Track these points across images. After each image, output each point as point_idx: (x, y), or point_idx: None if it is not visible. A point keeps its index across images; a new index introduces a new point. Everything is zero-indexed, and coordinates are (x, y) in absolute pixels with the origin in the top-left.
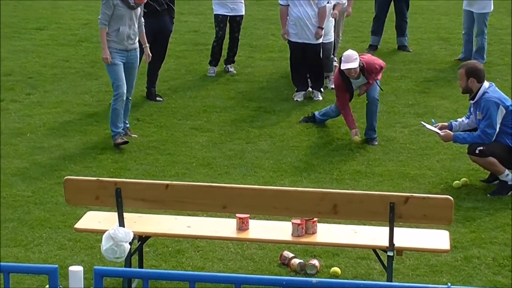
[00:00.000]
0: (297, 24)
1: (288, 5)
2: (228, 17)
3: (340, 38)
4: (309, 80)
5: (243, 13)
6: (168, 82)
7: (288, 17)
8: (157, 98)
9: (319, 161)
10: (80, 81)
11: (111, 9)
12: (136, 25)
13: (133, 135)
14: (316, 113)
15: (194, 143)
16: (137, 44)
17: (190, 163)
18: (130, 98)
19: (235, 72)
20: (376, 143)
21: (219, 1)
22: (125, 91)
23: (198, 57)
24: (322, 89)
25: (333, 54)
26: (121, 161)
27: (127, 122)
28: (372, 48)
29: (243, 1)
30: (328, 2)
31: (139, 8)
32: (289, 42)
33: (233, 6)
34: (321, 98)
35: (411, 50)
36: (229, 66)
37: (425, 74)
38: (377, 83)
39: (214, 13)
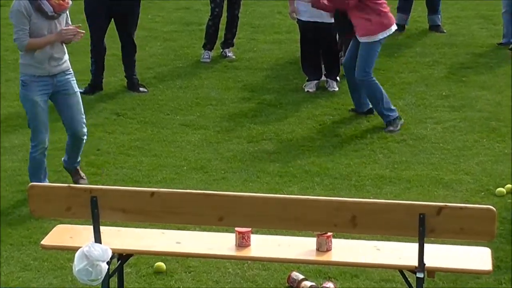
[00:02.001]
0: None
1: None
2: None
3: None
4: (323, 67)
5: None
6: (154, 69)
7: None
8: (141, 89)
9: (334, 164)
10: None
11: (27, 20)
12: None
13: (83, 177)
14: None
15: (185, 143)
16: (68, 64)
17: (180, 167)
18: (83, 137)
19: (234, 57)
20: None
21: None
22: (46, 139)
23: (190, 40)
24: (338, 78)
25: None
26: (97, 164)
27: (78, 160)
28: (399, 28)
29: None
30: None
31: (63, 16)
32: (299, 21)
33: None
34: (337, 88)
35: (445, 31)
36: (227, 50)
37: (462, 60)
38: None
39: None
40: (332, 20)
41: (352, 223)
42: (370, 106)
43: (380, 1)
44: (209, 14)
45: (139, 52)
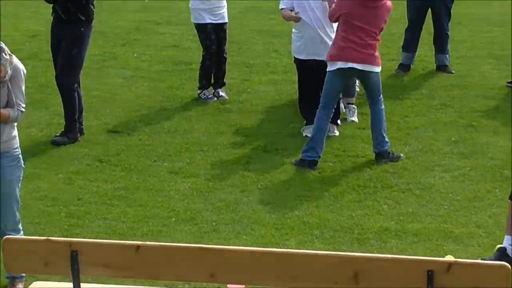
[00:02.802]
0: (305, 35)
1: (293, 9)
2: (214, 25)
3: None
4: None
5: (227, 21)
6: (140, 112)
7: (293, 28)
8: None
9: (335, 215)
10: (26, 110)
11: None
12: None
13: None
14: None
15: (173, 192)
16: (7, 146)
17: (168, 218)
18: (7, 232)
19: (227, 98)
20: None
21: (205, 6)
22: None
23: (179, 80)
24: (339, 122)
25: None
26: (77, 215)
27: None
28: (404, 69)
29: (226, 5)
30: None
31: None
32: (296, 60)
33: (218, 12)
34: (337, 133)
35: (453, 71)
36: (219, 90)
37: (472, 103)
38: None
39: (200, 22)
40: None
41: (354, 280)
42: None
43: (344, 34)
44: (204, 53)
45: (124, 94)
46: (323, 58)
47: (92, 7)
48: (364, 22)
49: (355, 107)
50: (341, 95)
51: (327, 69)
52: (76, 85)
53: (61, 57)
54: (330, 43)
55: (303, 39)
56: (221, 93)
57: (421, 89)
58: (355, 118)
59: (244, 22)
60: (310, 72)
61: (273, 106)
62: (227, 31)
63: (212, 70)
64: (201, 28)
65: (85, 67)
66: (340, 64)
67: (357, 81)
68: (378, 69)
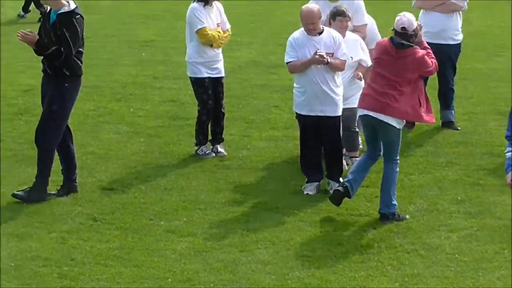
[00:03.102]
0: (308, 90)
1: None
2: (212, 80)
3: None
4: (324, 166)
5: (224, 75)
6: (136, 169)
7: (295, 83)
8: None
9: (337, 276)
10: (18, 168)
11: None
12: None
13: None
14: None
15: (169, 252)
16: None
17: (164, 279)
18: None
19: (225, 154)
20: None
21: (203, 60)
22: None
23: (176, 136)
24: (341, 179)
25: (357, 127)
26: (70, 276)
27: None
28: (408, 125)
29: (223, 58)
30: (351, 58)
31: None
32: (298, 116)
33: (216, 66)
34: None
35: (459, 128)
36: (218, 146)
37: (478, 160)
38: None
39: (196, 76)
40: (335, 114)
41: None
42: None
43: (368, 80)
44: (200, 108)
45: (120, 150)
46: (326, 113)
47: (78, 62)
48: (385, 70)
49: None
50: (344, 151)
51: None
52: (54, 146)
53: (42, 113)
54: (335, 98)
55: (305, 94)
56: (219, 149)
57: (426, 146)
58: None
59: (244, 76)
60: (312, 128)
61: (273, 163)
62: (224, 85)
63: (209, 125)
64: (198, 82)
65: (80, 122)
66: (360, 111)
67: (360, 138)
68: (395, 123)
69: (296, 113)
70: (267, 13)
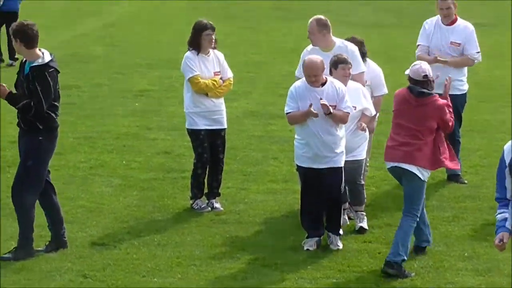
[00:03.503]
0: (310, 142)
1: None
2: (210, 132)
3: (367, 164)
4: (325, 220)
5: (226, 126)
6: (128, 223)
7: (296, 134)
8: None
9: None
10: (6, 221)
11: None
12: None
13: None
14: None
15: None
16: None
17: None
18: None
19: (222, 209)
20: None
21: (199, 110)
22: None
23: (171, 189)
24: (341, 231)
25: (362, 179)
26: None
27: None
28: (458, 180)
29: (225, 108)
30: (354, 108)
31: None
32: (299, 168)
33: (216, 117)
34: (341, 245)
35: (466, 182)
36: (213, 201)
37: (486, 215)
38: None
39: (192, 128)
40: (337, 165)
41: None
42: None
43: (391, 132)
44: (196, 161)
45: (112, 203)
46: (328, 165)
47: (53, 114)
48: (406, 120)
49: (364, 213)
50: (347, 205)
51: None
52: (33, 202)
53: (17, 169)
54: (337, 150)
55: (306, 146)
56: (215, 205)
57: (431, 200)
58: (364, 225)
59: (242, 127)
60: (313, 181)
61: (272, 217)
62: (225, 138)
63: (204, 179)
64: (194, 134)
65: (70, 175)
66: (387, 164)
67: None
68: (419, 172)
69: (297, 165)
70: (266, 62)
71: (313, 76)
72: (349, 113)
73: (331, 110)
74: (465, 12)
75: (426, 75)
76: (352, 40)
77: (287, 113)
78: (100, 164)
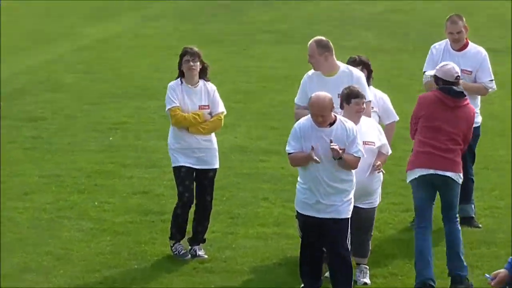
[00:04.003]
0: (313, 189)
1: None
2: (195, 171)
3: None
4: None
5: (217, 166)
6: (101, 272)
7: (299, 178)
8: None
9: None
10: None
11: None
12: None
13: None
14: None
15: None
16: None
17: None
18: None
19: (206, 257)
20: None
21: (180, 146)
22: None
23: (149, 233)
24: (325, 276)
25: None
26: None
27: None
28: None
29: (216, 147)
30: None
31: None
32: (299, 215)
33: (202, 155)
34: None
35: (480, 226)
36: (197, 247)
37: (504, 263)
38: None
39: (174, 165)
40: (343, 216)
41: None
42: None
43: (421, 137)
44: (177, 201)
45: (82, 250)
46: (332, 216)
47: None
48: (443, 123)
49: (367, 267)
50: (354, 254)
51: (408, 180)
52: None
53: None
54: (344, 199)
55: (309, 192)
56: (198, 252)
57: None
58: (367, 280)
59: (228, 164)
60: (314, 230)
61: (263, 265)
62: (213, 179)
63: (186, 221)
64: (174, 171)
65: (35, 218)
66: (420, 171)
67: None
68: (460, 178)
69: (298, 212)
70: (256, 90)
71: (320, 116)
72: (359, 157)
73: (342, 155)
74: (477, 36)
75: (459, 76)
76: (359, 60)
77: (288, 153)
78: (69, 206)
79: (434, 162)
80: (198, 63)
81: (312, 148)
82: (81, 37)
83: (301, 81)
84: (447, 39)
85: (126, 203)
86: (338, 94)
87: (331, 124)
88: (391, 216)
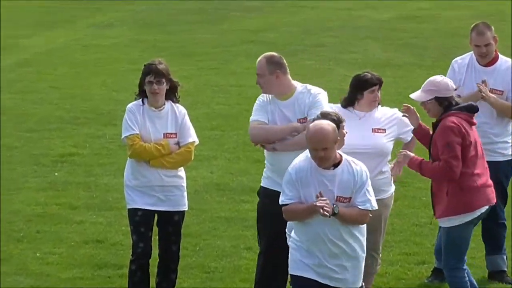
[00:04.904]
0: (313, 249)
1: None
2: (156, 214)
3: (379, 257)
4: None
5: (185, 208)
6: None
7: (293, 234)
8: None
9: None
10: None
11: None
12: None
13: None
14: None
15: None
16: None
17: None
18: None
19: None
20: None
21: (138, 183)
22: None
23: None
24: None
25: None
26: None
27: None
28: (439, 276)
29: (184, 185)
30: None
31: None
32: (294, 278)
33: (166, 195)
34: None
35: None
36: None
37: None
38: None
39: (128, 206)
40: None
41: None
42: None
43: (473, 170)
44: (131, 252)
45: None
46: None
47: None
48: (477, 146)
49: None
50: None
51: (459, 223)
52: None
53: None
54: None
55: (308, 253)
56: None
57: None
58: None
59: (203, 205)
60: None
61: None
62: (180, 223)
63: (142, 279)
64: (129, 215)
65: None
66: (480, 210)
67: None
68: None
69: (291, 275)
70: (236, 114)
71: (322, 149)
72: (368, 210)
73: (335, 211)
74: (507, 46)
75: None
76: (371, 76)
77: (282, 205)
78: (4, 258)
79: (492, 196)
80: (165, 84)
81: (317, 196)
82: (22, 50)
83: (257, 103)
84: (472, 52)
85: (75, 254)
86: (299, 119)
87: (336, 165)
88: (403, 270)
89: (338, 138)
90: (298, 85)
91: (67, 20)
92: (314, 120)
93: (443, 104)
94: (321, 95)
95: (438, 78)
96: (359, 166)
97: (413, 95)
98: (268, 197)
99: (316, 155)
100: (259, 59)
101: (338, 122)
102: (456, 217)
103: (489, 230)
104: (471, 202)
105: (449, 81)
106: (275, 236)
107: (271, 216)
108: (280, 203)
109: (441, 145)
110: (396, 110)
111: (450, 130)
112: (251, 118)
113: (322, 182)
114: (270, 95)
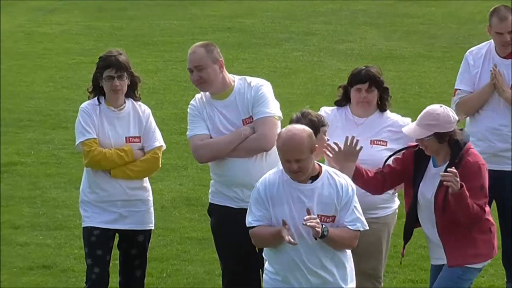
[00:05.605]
0: (291, 279)
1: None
2: (118, 234)
3: (381, 285)
4: None
5: (152, 227)
6: None
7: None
8: None
9: None
10: None
11: None
12: None
13: None
14: None
15: None
16: None
17: None
18: None
19: None
20: None
21: (98, 198)
22: None
23: None
24: None
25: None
26: None
27: None
28: None
29: (151, 198)
30: None
31: None
32: None
33: (129, 210)
34: None
35: None
36: None
37: None
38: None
39: (83, 225)
40: None
41: None
42: None
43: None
44: (86, 280)
45: None
46: None
47: None
48: None
49: None
50: None
51: (478, 266)
52: None
53: None
54: None
55: (283, 284)
56: None
57: None
58: None
59: (171, 224)
60: None
61: None
62: (146, 246)
63: None
64: (83, 235)
65: None
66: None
67: None
68: None
69: None
70: None
71: (295, 161)
72: (358, 231)
73: (324, 232)
74: None
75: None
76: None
77: (249, 227)
78: None
79: None
80: (126, 79)
81: (284, 224)
82: None
83: (191, 113)
84: (490, 41)
85: (18, 282)
86: (243, 119)
87: (314, 178)
88: None
89: (316, 145)
90: (236, 78)
91: (5, 3)
92: (290, 121)
93: (444, 139)
94: (264, 87)
95: (438, 109)
96: (343, 179)
97: (408, 130)
98: (222, 215)
99: (289, 168)
100: (192, 50)
101: (317, 125)
102: (480, 264)
103: (507, 252)
104: (488, 253)
105: (451, 111)
106: (238, 261)
107: (230, 238)
108: (247, 225)
109: (476, 187)
110: (409, 120)
111: (484, 170)
112: (188, 133)
113: (298, 198)
114: (203, 98)
